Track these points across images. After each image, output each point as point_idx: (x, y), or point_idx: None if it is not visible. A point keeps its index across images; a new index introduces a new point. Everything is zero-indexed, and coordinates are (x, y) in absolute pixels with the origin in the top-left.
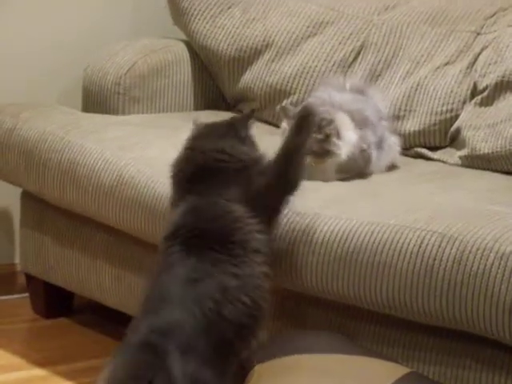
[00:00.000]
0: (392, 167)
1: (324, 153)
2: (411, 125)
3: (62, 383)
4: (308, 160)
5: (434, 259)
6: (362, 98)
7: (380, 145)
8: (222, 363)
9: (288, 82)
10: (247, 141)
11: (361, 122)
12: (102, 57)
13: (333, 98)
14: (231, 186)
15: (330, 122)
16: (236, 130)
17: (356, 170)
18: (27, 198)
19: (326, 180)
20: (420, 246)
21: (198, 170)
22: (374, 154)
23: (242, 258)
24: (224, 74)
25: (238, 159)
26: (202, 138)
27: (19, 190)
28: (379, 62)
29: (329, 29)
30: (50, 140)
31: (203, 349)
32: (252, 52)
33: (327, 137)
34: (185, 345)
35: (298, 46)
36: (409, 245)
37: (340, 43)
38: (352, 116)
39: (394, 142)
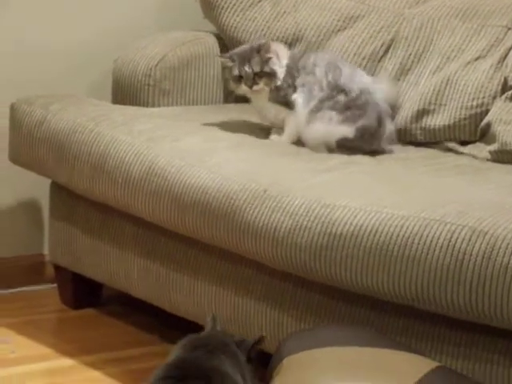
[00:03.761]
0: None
1: (265, 74)
2: (441, 119)
3: (89, 373)
4: (244, 87)
5: (464, 253)
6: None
7: (317, 108)
8: None
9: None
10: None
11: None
12: (132, 49)
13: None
14: None
15: (268, 46)
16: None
17: (279, 99)
18: (56, 189)
19: (261, 110)
20: (450, 240)
21: None
22: (297, 98)
23: None
24: None
25: None
26: None
27: (49, 181)
28: (409, 56)
29: (359, 23)
30: (80, 132)
31: None
32: None
33: (269, 59)
34: None
35: (328, 39)
36: (439, 239)
37: (370, 37)
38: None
39: (330, 118)
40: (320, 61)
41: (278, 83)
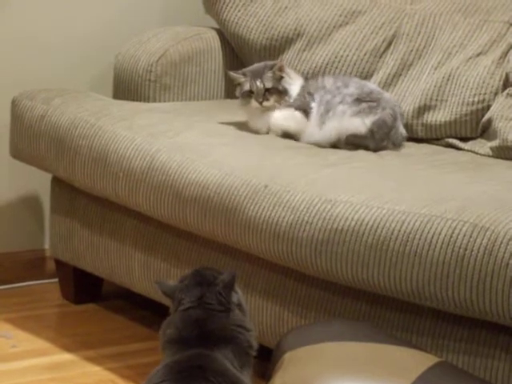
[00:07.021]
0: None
1: (276, 91)
2: (442, 115)
3: (90, 368)
4: (254, 103)
5: (465, 249)
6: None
7: (327, 108)
8: None
9: (319, 72)
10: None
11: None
12: (134, 44)
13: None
14: None
15: (282, 66)
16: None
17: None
18: (57, 183)
19: (271, 127)
20: (451, 236)
21: None
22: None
23: None
24: (255, 63)
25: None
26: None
27: (49, 176)
28: (411, 51)
29: (361, 18)
30: (81, 126)
31: None
32: (283, 41)
33: (281, 77)
34: None
35: (329, 35)
36: (440, 234)
37: (372, 32)
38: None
39: (343, 111)
40: (327, 77)
41: (290, 101)
